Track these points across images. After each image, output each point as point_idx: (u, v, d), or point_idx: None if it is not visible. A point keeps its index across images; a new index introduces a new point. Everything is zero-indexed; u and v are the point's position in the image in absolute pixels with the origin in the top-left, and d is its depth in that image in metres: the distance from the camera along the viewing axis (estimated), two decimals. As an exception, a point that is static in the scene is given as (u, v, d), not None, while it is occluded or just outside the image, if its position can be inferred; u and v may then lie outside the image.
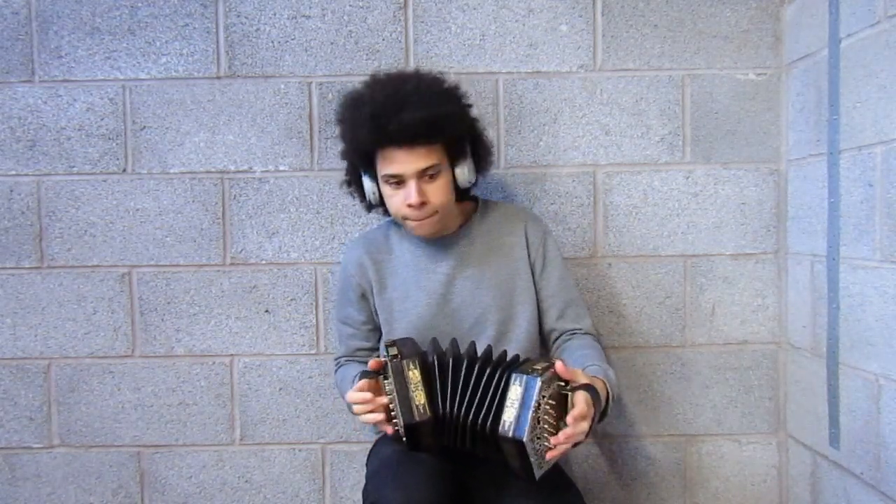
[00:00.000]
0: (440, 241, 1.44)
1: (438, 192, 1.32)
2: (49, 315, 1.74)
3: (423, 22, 1.71)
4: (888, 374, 1.34)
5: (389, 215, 1.44)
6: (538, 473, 1.14)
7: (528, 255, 1.45)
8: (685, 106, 1.72)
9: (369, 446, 1.52)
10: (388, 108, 1.25)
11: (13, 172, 1.72)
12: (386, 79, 1.34)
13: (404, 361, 1.20)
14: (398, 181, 1.30)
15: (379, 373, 1.24)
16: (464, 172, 1.37)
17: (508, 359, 1.23)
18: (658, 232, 1.74)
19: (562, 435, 1.10)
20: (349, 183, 1.46)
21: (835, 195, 1.49)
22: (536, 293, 1.45)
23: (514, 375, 1.13)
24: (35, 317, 1.74)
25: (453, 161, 1.35)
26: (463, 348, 1.28)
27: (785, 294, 1.73)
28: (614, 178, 1.73)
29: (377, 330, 1.50)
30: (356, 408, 1.25)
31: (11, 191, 1.72)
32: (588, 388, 1.15)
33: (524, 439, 1.09)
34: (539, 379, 1.10)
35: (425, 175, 1.30)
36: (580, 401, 1.12)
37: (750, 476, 1.77)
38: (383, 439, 1.43)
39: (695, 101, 1.72)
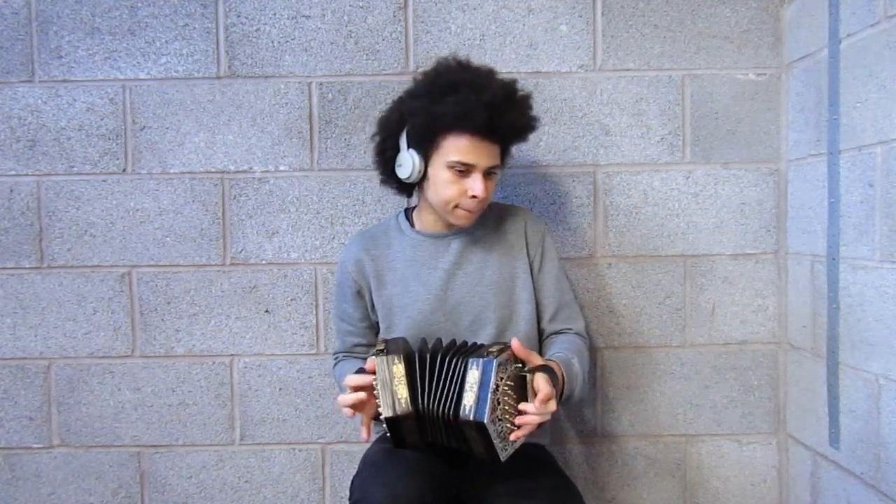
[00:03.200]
0: (442, 237, 1.44)
1: (491, 190, 1.39)
2: (49, 315, 1.74)
3: (423, 22, 1.71)
4: (888, 374, 1.34)
5: (403, 192, 1.47)
6: (503, 456, 1.15)
7: (528, 254, 1.45)
8: (685, 106, 1.72)
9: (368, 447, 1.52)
10: (503, 104, 1.31)
11: (13, 172, 1.72)
12: (483, 69, 1.37)
13: (389, 356, 1.22)
14: (465, 170, 1.33)
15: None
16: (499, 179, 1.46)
17: (469, 347, 1.27)
18: (658, 232, 1.74)
19: (534, 417, 1.13)
20: (383, 152, 1.44)
21: (835, 195, 1.49)
22: (534, 292, 1.45)
23: (470, 360, 1.16)
24: (35, 317, 1.74)
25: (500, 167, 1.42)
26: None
27: (785, 294, 1.73)
28: (614, 178, 1.73)
29: (374, 327, 1.50)
30: (344, 397, 1.23)
31: (11, 191, 1.72)
32: (544, 368, 1.18)
33: (485, 421, 1.11)
34: (495, 361, 1.13)
35: (487, 172, 1.35)
36: (542, 384, 1.14)
37: (750, 476, 1.77)
38: (378, 440, 1.43)
39: (695, 101, 1.72)
